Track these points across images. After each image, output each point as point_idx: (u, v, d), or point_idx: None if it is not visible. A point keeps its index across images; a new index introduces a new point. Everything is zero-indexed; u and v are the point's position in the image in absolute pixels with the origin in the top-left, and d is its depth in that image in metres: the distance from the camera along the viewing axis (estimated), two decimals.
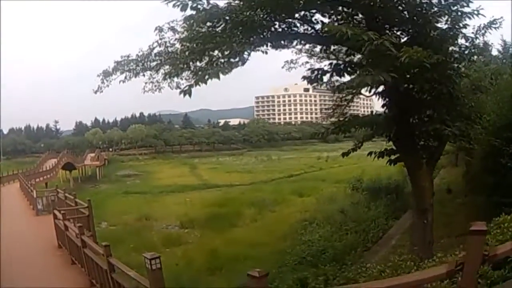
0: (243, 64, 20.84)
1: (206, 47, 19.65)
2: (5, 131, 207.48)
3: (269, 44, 22.99)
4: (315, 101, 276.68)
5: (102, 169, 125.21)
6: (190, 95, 17.67)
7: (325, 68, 25.13)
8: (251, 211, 52.55)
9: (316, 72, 24.34)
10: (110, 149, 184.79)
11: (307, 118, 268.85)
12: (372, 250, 29.80)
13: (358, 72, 20.44)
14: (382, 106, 24.76)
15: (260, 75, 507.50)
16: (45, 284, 16.40)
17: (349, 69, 22.85)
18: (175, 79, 23.20)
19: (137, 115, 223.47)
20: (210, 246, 36.37)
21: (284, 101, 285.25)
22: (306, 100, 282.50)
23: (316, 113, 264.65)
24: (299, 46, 29.16)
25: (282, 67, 32.10)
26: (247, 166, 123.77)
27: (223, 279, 29.04)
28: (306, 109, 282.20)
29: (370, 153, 25.83)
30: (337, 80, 32.24)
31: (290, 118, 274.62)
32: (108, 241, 13.95)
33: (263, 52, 24.43)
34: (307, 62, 31.04)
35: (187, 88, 18.03)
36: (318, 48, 30.48)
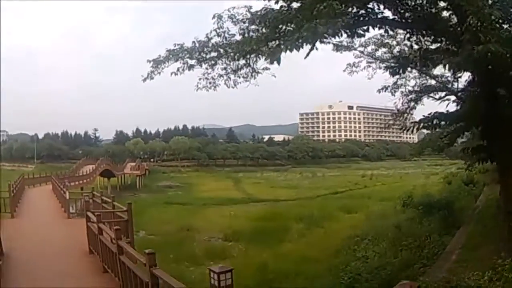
0: (334, 35, 18.86)
1: (281, 24, 17.48)
2: (41, 136, 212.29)
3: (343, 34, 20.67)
4: (358, 119, 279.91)
5: (143, 179, 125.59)
6: (279, 63, 16.30)
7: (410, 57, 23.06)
8: (298, 226, 49.84)
9: (401, 61, 21.82)
10: (152, 160, 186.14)
11: (350, 136, 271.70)
12: (436, 265, 26.54)
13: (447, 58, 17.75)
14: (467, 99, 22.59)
15: (305, 91, 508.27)
16: None
17: (435, 56, 20.02)
18: (232, 76, 21.97)
19: (180, 127, 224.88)
20: (257, 260, 33.50)
21: (328, 118, 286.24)
22: (350, 118, 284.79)
23: (359, 131, 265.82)
24: (361, 48, 30.39)
25: (344, 71, 32.58)
26: (292, 182, 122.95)
27: None
28: (350, 126, 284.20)
29: (463, 149, 23.60)
30: (401, 85, 30.21)
31: (334, 135, 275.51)
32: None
33: (334, 46, 25.26)
34: (369, 66, 31.86)
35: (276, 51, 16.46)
36: (380, 52, 31.27)
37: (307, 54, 17.36)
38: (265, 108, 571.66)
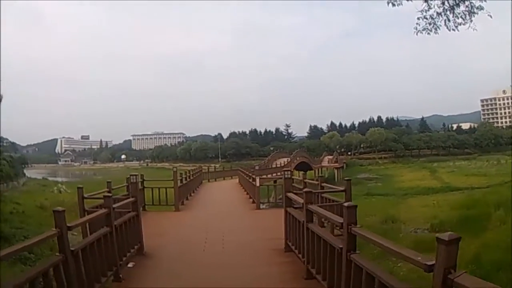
0: None
1: None
2: (225, 136, 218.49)
3: None
4: None
5: (341, 172, 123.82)
6: None
7: None
8: (498, 213, 43.15)
9: None
10: (349, 153, 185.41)
11: None
12: None
13: None
14: None
15: (478, 78, 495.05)
16: None
17: None
18: (450, 16, 19.09)
19: (375, 118, 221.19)
20: (467, 251, 27.60)
21: (504, 103, 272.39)
22: None
23: None
24: None
25: None
26: (481, 170, 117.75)
27: None
28: None
29: None
30: None
31: (511, 121, 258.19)
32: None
33: None
34: None
35: None
36: None
37: None
38: (450, 98, 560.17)
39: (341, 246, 8.33)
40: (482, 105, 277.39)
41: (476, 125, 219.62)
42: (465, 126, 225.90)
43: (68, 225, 8.34)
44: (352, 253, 7.90)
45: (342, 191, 17.19)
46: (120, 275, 11.24)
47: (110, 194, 13.26)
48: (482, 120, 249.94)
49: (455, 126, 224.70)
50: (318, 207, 11.64)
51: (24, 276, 7.07)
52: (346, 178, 18.40)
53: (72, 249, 8.30)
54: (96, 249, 9.82)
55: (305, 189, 12.96)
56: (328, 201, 16.89)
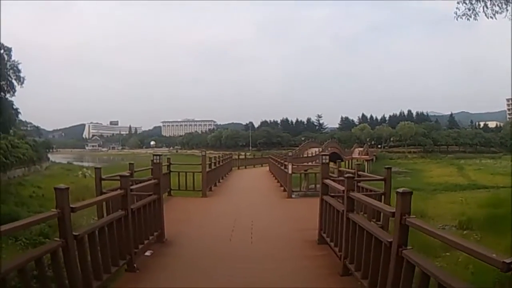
0: None
1: None
2: (256, 125, 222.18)
3: None
4: None
5: (371, 164, 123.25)
6: None
7: None
8: None
9: None
10: (379, 146, 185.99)
11: None
12: None
13: None
14: None
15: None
16: None
17: None
18: (488, 3, 19.28)
19: (405, 112, 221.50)
20: (495, 251, 26.32)
21: None
22: None
23: None
24: None
25: None
26: (507, 169, 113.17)
27: None
28: None
29: None
30: None
31: None
32: None
33: None
34: None
35: None
36: None
37: None
38: (478, 96, 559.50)
39: (390, 240, 7.37)
40: (508, 104, 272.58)
41: (502, 124, 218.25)
42: (492, 124, 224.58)
43: (72, 206, 7.18)
44: (404, 249, 7.00)
45: (381, 179, 16.10)
46: (135, 265, 10.19)
47: (127, 174, 12.24)
48: (508, 119, 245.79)
49: (482, 124, 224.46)
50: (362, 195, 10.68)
51: (12, 262, 6.12)
52: (386, 166, 17.58)
53: (75, 233, 7.24)
54: (107, 234, 8.81)
55: (347, 174, 12.06)
56: (365, 191, 15.66)
